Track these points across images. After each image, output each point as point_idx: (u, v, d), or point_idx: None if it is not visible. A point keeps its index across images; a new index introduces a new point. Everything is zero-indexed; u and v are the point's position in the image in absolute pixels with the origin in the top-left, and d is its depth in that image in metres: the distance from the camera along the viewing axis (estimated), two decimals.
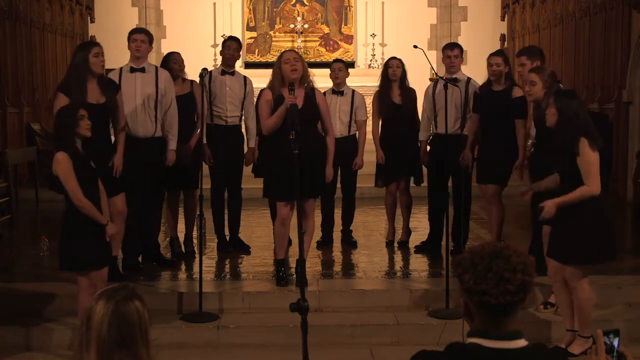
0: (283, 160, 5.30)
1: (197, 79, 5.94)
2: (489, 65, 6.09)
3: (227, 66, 6.61)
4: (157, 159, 5.95)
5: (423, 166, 6.81)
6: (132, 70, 5.90)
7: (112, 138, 5.58)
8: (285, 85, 5.39)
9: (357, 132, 6.91)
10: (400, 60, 6.76)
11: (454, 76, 6.38)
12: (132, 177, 5.65)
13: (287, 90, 5.32)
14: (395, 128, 6.71)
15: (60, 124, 4.52)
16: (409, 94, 6.72)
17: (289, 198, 5.45)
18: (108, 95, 5.37)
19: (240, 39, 14.20)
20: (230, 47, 6.60)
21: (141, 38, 5.94)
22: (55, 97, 5.27)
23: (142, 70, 5.92)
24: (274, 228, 5.89)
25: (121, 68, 5.95)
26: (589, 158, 4.38)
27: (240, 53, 6.99)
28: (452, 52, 6.52)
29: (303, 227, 5.56)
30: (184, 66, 6.47)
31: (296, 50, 5.88)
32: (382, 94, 6.77)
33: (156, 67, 6.12)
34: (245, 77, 6.72)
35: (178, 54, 6.50)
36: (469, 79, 6.52)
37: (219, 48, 6.88)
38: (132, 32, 6.03)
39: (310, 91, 5.56)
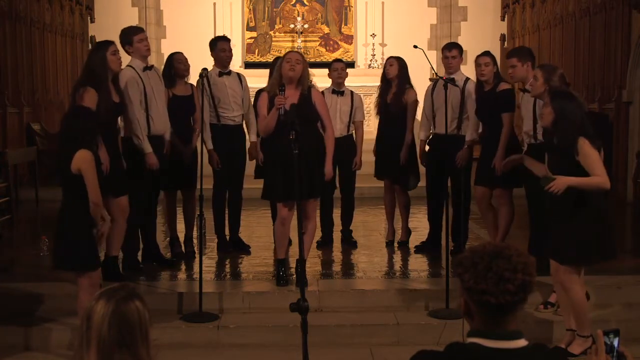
0: (281, 161, 5.32)
1: (197, 79, 5.95)
2: (478, 65, 6.07)
3: (223, 67, 6.61)
4: (163, 155, 6.01)
5: (419, 167, 6.80)
6: (145, 69, 5.90)
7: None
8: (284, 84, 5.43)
9: (354, 133, 6.91)
10: (396, 58, 6.73)
11: (452, 76, 6.37)
12: (153, 175, 5.79)
13: (278, 89, 5.38)
14: (385, 128, 6.73)
15: (88, 124, 4.56)
16: (400, 96, 6.65)
17: (287, 198, 5.44)
18: (121, 94, 5.45)
19: (240, 39, 14.25)
20: (226, 48, 6.62)
21: (146, 36, 6.00)
22: (83, 92, 5.18)
23: (150, 68, 5.96)
24: (274, 228, 5.89)
25: (132, 67, 5.86)
26: (593, 156, 4.37)
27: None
28: (449, 53, 6.51)
29: (304, 227, 5.59)
30: (189, 66, 6.46)
31: (299, 51, 5.87)
32: (380, 92, 6.80)
33: (152, 65, 6.17)
34: (239, 75, 6.74)
35: (182, 54, 6.50)
36: (467, 79, 6.51)
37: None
38: (134, 33, 5.94)
39: (307, 91, 5.56)
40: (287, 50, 6.29)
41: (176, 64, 6.36)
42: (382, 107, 6.75)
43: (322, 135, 5.64)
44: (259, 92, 5.77)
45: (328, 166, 5.61)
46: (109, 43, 5.44)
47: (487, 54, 6.16)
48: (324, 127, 5.67)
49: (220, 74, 6.56)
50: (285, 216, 5.54)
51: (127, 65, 5.84)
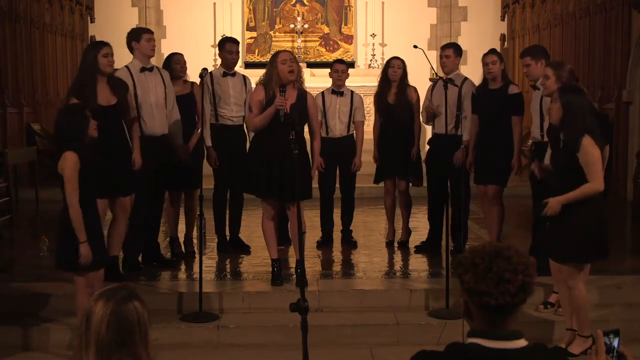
0: (268, 159, 5.44)
1: (197, 79, 5.96)
2: (485, 64, 6.08)
3: (228, 68, 6.63)
4: (168, 157, 6.02)
5: (423, 166, 6.79)
6: (143, 69, 5.91)
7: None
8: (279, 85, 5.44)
9: (354, 133, 6.91)
10: (402, 61, 6.73)
11: (449, 76, 6.38)
12: (148, 176, 5.75)
13: (279, 90, 5.41)
14: (388, 128, 6.71)
15: (71, 124, 4.50)
16: (404, 95, 6.65)
17: (267, 196, 5.55)
18: (119, 95, 5.40)
19: (240, 39, 14.23)
20: (233, 50, 6.63)
21: (154, 37, 6.05)
22: (67, 100, 5.23)
23: (151, 69, 5.96)
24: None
25: (128, 67, 5.90)
26: (592, 155, 4.37)
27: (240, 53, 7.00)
28: (443, 52, 6.54)
29: (289, 229, 5.65)
30: (186, 67, 6.49)
31: (290, 50, 5.90)
32: (379, 94, 6.78)
33: (155, 65, 6.16)
34: (244, 77, 6.75)
35: (180, 55, 6.52)
36: (465, 79, 6.50)
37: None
38: (145, 31, 6.04)
39: (303, 93, 5.60)
40: (283, 49, 6.26)
41: (173, 65, 6.39)
42: (383, 108, 6.72)
43: (304, 139, 5.66)
44: (254, 88, 5.83)
45: (313, 169, 5.74)
46: (102, 45, 5.39)
47: (493, 52, 6.19)
48: (312, 133, 5.78)
49: (225, 74, 6.57)
50: (268, 214, 5.59)
51: (125, 66, 5.90)
